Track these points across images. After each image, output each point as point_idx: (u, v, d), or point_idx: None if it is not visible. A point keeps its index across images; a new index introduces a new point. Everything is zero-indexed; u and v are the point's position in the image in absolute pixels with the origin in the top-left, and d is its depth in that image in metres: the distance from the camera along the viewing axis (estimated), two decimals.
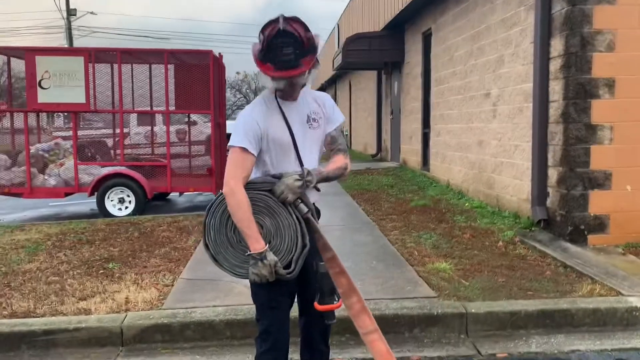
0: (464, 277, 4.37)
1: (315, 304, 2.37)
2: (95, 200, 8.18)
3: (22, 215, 8.93)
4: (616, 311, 3.68)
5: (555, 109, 5.39)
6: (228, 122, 9.87)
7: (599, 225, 5.17)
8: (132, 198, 8.10)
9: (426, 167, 10.42)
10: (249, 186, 2.31)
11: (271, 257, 2.24)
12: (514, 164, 6.43)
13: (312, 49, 2.26)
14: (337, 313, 2.49)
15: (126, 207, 8.11)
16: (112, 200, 8.10)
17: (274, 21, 2.23)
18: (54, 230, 6.59)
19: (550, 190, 5.53)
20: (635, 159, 5.16)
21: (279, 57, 2.20)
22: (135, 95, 8.95)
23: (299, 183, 2.28)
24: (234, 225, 2.30)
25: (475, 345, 3.47)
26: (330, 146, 2.54)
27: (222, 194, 2.32)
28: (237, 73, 45.51)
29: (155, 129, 9.86)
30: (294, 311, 2.56)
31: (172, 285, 4.33)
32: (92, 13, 33.15)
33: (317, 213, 2.51)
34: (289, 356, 2.56)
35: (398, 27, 12.21)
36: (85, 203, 9.56)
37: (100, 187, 8.05)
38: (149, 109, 9.14)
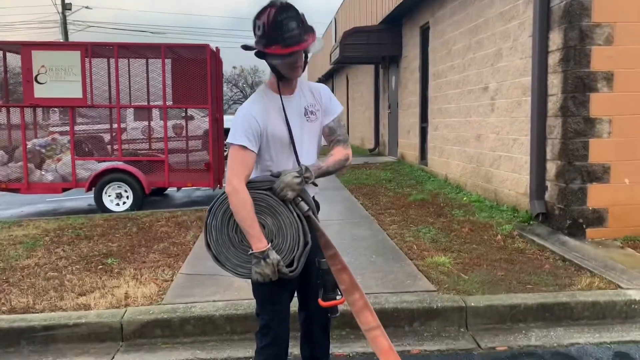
0: (463, 271, 4.38)
1: (319, 300, 2.37)
2: (92, 195, 8.16)
3: (20, 211, 8.90)
4: (615, 304, 3.70)
5: (553, 102, 5.39)
6: (225, 117, 9.84)
7: (598, 218, 5.18)
8: (130, 193, 8.08)
9: (424, 161, 10.42)
10: (250, 185, 2.30)
11: (274, 256, 2.23)
12: (512, 158, 6.44)
13: (310, 27, 2.28)
14: (338, 307, 2.50)
15: (124, 203, 8.09)
16: (109, 196, 8.08)
17: (267, 6, 2.23)
18: (52, 225, 6.57)
19: (548, 183, 5.54)
20: (633, 152, 5.17)
21: (285, 33, 2.19)
22: (132, 90, 8.90)
23: (298, 180, 2.28)
24: (236, 224, 2.29)
25: (475, 338, 3.48)
26: (330, 137, 2.52)
27: (223, 193, 2.31)
28: (234, 67, 45.46)
29: (153, 123, 9.82)
30: (294, 305, 2.57)
31: (172, 281, 4.33)
32: (87, 7, 32.89)
33: (316, 206, 2.50)
34: (289, 350, 2.57)
35: (395, 21, 12.18)
36: (82, 198, 9.54)
37: (98, 183, 8.03)
38: (146, 103, 9.10)
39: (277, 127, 2.36)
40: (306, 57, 2.34)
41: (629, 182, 5.19)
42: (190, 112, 9.77)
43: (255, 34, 2.28)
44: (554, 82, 5.37)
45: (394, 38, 12.37)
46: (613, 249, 4.87)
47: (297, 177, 2.28)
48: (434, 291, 3.90)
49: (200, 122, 9.81)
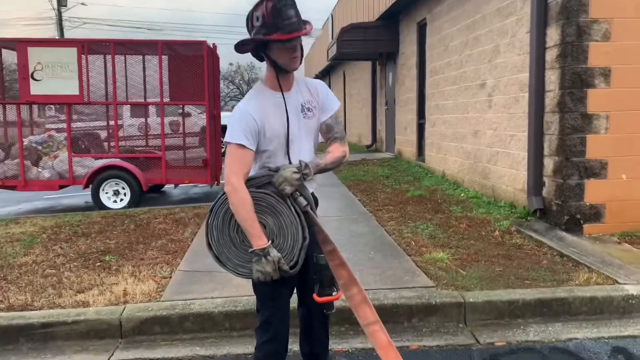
0: (461, 267, 4.39)
1: (315, 295, 2.37)
2: (90, 192, 8.14)
3: (17, 208, 8.88)
4: (612, 299, 3.71)
5: (551, 98, 5.40)
6: (222, 114, 9.82)
7: (595, 214, 5.19)
8: (127, 190, 8.07)
9: (421, 157, 10.43)
10: (249, 183, 2.30)
11: (275, 254, 2.23)
12: (510, 154, 6.45)
13: (305, 20, 2.30)
14: (336, 304, 2.50)
15: (121, 200, 8.08)
16: (107, 193, 8.07)
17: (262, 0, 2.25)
18: (49, 223, 6.56)
19: (546, 179, 5.55)
20: (630, 148, 5.18)
21: (285, 20, 2.21)
22: (129, 86, 8.88)
23: (297, 175, 2.27)
24: (237, 225, 2.29)
25: (473, 334, 3.49)
26: (327, 135, 2.52)
27: (224, 193, 2.31)
28: (230, 64, 45.39)
29: (150, 120, 9.79)
30: (293, 302, 2.57)
31: (170, 277, 4.33)
32: (82, 4, 32.69)
33: (315, 202, 2.50)
34: (289, 347, 2.57)
35: (393, 17, 12.17)
36: (79, 196, 9.52)
37: (95, 180, 8.02)
38: (143, 100, 9.08)
39: (274, 124, 2.36)
40: (302, 49, 2.36)
41: (626, 178, 5.20)
42: (187, 108, 9.74)
43: (253, 26, 2.28)
44: (552, 78, 5.38)
45: (391, 34, 12.36)
46: (610, 245, 4.89)
47: (296, 172, 2.28)
48: (433, 287, 3.91)
49: (197, 118, 9.78)
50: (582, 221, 5.18)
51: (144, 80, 8.93)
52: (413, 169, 10.20)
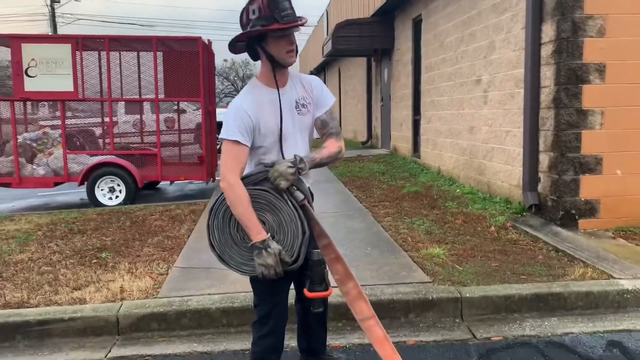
0: (457, 262, 4.40)
1: (305, 290, 2.37)
2: (85, 189, 8.12)
3: (11, 205, 8.84)
4: (608, 294, 3.74)
5: (546, 94, 5.42)
6: (217, 110, 9.80)
7: (590, 209, 5.22)
8: (123, 187, 8.04)
9: (417, 153, 10.44)
10: (246, 180, 2.30)
11: (275, 245, 2.23)
12: (505, 150, 6.47)
13: (300, 16, 2.33)
14: (333, 299, 2.52)
15: (116, 197, 8.06)
16: (102, 190, 8.05)
17: None
18: (44, 220, 6.53)
19: (541, 175, 5.57)
20: (625, 144, 5.21)
21: (282, 12, 2.24)
22: (124, 83, 8.84)
23: (292, 170, 2.28)
24: (237, 223, 2.30)
25: (470, 329, 3.51)
26: (322, 130, 2.52)
27: (222, 193, 2.31)
28: (225, 60, 45.19)
29: (145, 117, 9.77)
30: (290, 297, 2.57)
31: (167, 274, 4.32)
32: (76, 0, 32.54)
33: (311, 197, 2.51)
34: (286, 343, 2.58)
35: (388, 13, 12.16)
36: (74, 193, 9.48)
37: (90, 177, 7.99)
38: (138, 97, 9.04)
39: (269, 120, 2.36)
40: (296, 45, 2.38)
41: (620, 173, 5.23)
42: (182, 105, 9.71)
43: (249, 20, 2.29)
44: (547, 74, 5.39)
45: (387, 30, 12.35)
46: (605, 240, 4.92)
47: (291, 167, 2.28)
48: (429, 282, 3.93)
49: (192, 115, 9.76)
50: (577, 216, 5.21)
51: (139, 76, 8.89)
52: (409, 165, 10.22)
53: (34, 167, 8.23)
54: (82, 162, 8.19)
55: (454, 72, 8.24)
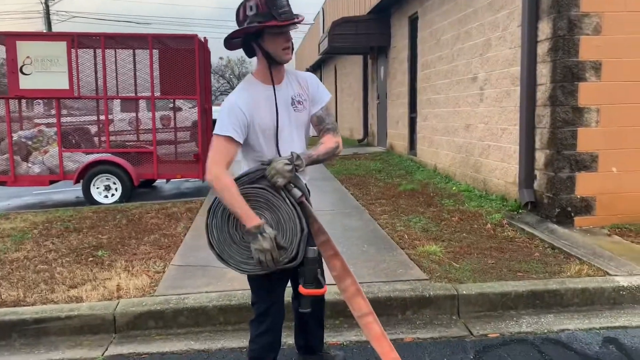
0: (454, 260, 4.41)
1: (300, 287, 2.37)
2: (80, 187, 8.09)
3: (6, 203, 8.80)
4: (604, 291, 3.76)
5: (542, 92, 5.43)
6: (214, 108, 9.78)
7: (586, 207, 5.24)
8: (119, 185, 8.02)
9: (413, 151, 10.45)
10: (243, 179, 2.30)
11: (270, 230, 2.22)
12: (501, 147, 6.48)
13: (297, 14, 2.35)
14: (330, 297, 2.52)
15: (112, 195, 8.04)
16: (98, 188, 8.02)
17: None
18: (40, 218, 6.51)
19: (537, 172, 5.58)
20: (621, 141, 5.23)
21: (279, 9, 2.26)
22: (120, 80, 8.81)
23: (289, 167, 2.27)
24: (236, 222, 2.29)
25: (467, 326, 3.52)
26: (318, 127, 2.52)
27: None
28: (220, 58, 45.11)
29: (140, 115, 9.73)
30: (287, 296, 2.57)
31: (164, 272, 4.31)
32: None
33: (308, 193, 2.51)
34: (284, 340, 2.58)
35: (384, 11, 12.16)
36: (70, 191, 9.45)
37: (86, 175, 7.96)
38: (133, 94, 9.01)
39: (264, 117, 2.36)
40: (292, 43, 2.39)
41: (616, 171, 5.25)
42: (178, 103, 9.69)
43: (246, 16, 2.29)
44: (543, 72, 5.40)
45: (383, 28, 12.35)
46: (601, 237, 4.94)
47: (288, 164, 2.27)
48: (426, 280, 3.93)
49: (188, 113, 9.73)
50: (573, 214, 5.23)
51: (135, 74, 8.86)
52: (405, 162, 10.23)
53: (29, 165, 8.20)
54: (77, 160, 8.16)
55: (450, 69, 8.25)
